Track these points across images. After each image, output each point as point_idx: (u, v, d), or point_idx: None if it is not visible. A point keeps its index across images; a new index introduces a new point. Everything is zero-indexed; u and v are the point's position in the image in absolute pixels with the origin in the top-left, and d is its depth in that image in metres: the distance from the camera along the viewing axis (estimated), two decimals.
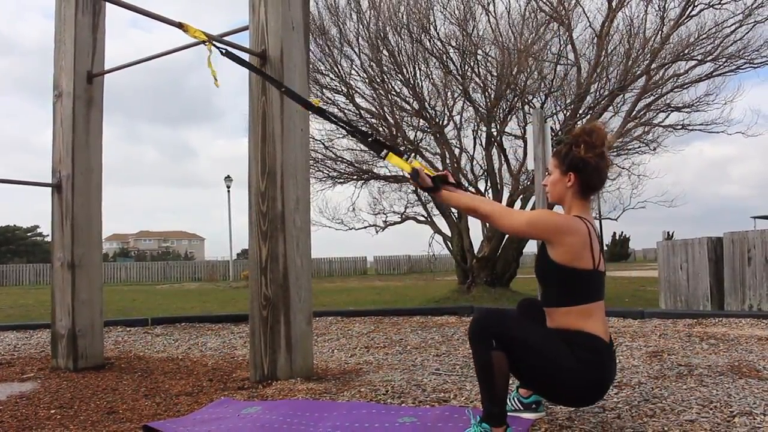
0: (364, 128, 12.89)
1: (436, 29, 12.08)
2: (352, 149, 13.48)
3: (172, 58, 4.49)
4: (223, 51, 3.27)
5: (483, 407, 2.28)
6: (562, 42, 11.82)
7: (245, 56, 3.90)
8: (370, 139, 2.97)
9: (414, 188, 13.38)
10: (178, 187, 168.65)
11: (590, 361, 2.26)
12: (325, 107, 12.67)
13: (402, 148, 12.58)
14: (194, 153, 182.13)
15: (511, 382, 2.31)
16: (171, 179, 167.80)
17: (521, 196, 12.32)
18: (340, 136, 13.30)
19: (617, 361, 3.96)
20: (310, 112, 3.67)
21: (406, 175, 2.68)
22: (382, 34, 12.05)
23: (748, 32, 10.66)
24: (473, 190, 12.88)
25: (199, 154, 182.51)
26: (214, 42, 3.36)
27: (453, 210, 12.96)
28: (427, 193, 2.66)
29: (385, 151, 2.83)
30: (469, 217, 12.73)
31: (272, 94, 3.75)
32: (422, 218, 13.87)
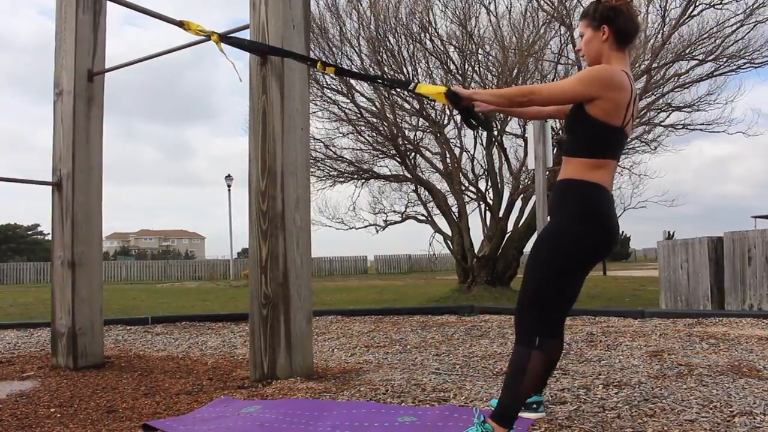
0: (364, 128, 12.92)
1: (435, 29, 12.08)
2: (353, 148, 13.50)
3: (166, 56, 4.48)
4: (228, 41, 3.27)
5: (499, 403, 2.27)
6: (562, 41, 11.82)
7: (245, 56, 3.91)
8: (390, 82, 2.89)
9: (415, 187, 13.38)
10: (178, 185, 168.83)
11: (586, 207, 2.29)
12: (325, 106, 12.67)
13: (402, 148, 12.59)
14: (193, 151, 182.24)
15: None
16: (170, 178, 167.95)
17: (522, 196, 12.32)
18: (341, 135, 13.32)
19: (618, 358, 3.97)
20: (310, 111, 3.67)
21: (437, 102, 2.62)
22: (382, 34, 12.05)
23: (749, 32, 10.68)
24: (474, 189, 12.90)
25: (198, 153, 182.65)
26: (220, 35, 3.36)
27: (453, 209, 12.96)
28: (465, 113, 2.59)
29: (413, 83, 2.81)
30: (469, 217, 12.75)
31: (273, 93, 3.75)
32: (422, 217, 13.86)
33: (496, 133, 12.39)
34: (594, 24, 2.40)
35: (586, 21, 2.44)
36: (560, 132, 10.84)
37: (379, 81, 3.12)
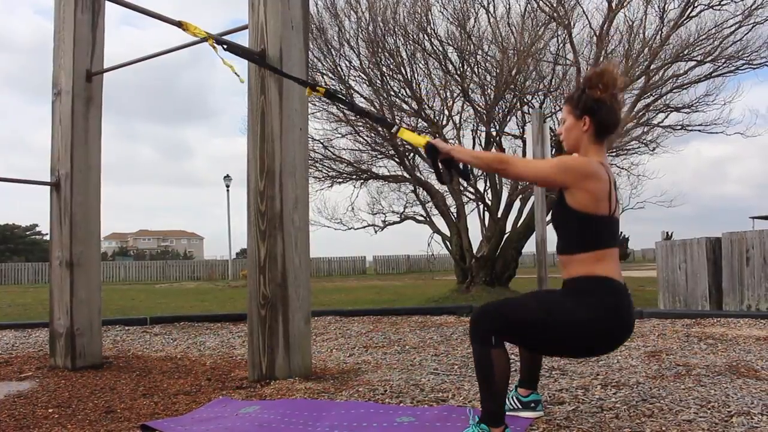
0: (362, 129, 12.92)
1: (434, 30, 12.09)
2: (351, 149, 13.50)
3: (164, 55, 4.47)
4: (225, 46, 3.28)
5: (482, 406, 2.28)
6: (560, 42, 11.84)
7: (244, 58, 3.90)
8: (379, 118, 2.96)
9: (414, 188, 13.38)
10: (176, 186, 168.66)
11: (605, 304, 2.27)
12: (324, 106, 12.67)
13: (401, 149, 12.59)
14: (191, 152, 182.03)
15: (510, 380, 2.32)
16: (168, 178, 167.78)
17: (520, 197, 12.33)
18: (339, 135, 13.33)
19: (617, 358, 3.97)
20: (309, 111, 3.67)
21: (421, 150, 2.65)
22: (381, 34, 12.05)
23: (748, 33, 10.72)
24: (472, 189, 12.90)
25: (196, 153, 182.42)
26: (216, 39, 3.36)
27: (452, 210, 12.96)
28: (442, 163, 2.60)
29: (396, 127, 2.82)
30: (468, 217, 12.76)
31: (271, 94, 3.75)
32: (421, 218, 13.88)
33: (494, 133, 12.40)
34: (576, 112, 2.42)
35: (569, 107, 2.46)
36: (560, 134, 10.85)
37: (367, 116, 3.17)
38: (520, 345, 2.50)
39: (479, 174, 13.01)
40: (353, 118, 12.68)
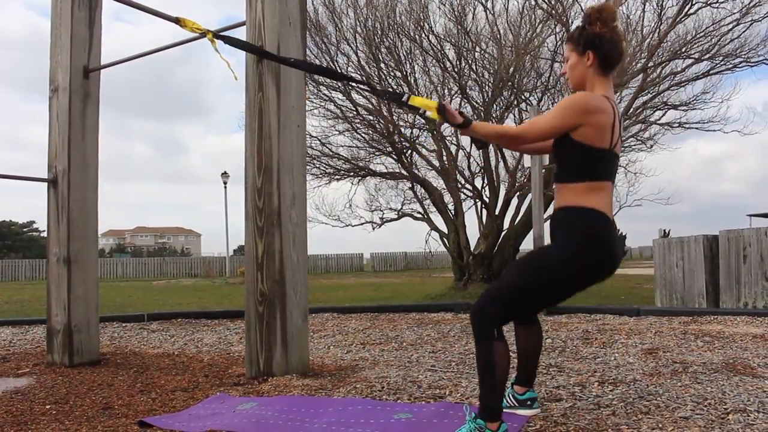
0: (360, 125, 12.91)
1: (431, 27, 12.08)
2: (349, 146, 13.50)
3: (157, 52, 4.45)
4: (225, 40, 3.29)
5: (480, 402, 2.29)
6: (558, 39, 11.83)
7: (242, 53, 3.90)
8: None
9: (411, 185, 13.38)
10: (172, 182, 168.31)
11: (588, 234, 2.30)
12: (321, 103, 12.66)
13: (398, 146, 12.59)
14: (186, 149, 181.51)
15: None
16: (164, 175, 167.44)
17: (518, 194, 12.33)
18: (337, 132, 13.32)
19: (614, 356, 3.98)
20: (306, 108, 3.67)
21: (429, 114, 2.62)
22: (379, 30, 12.04)
23: (745, 31, 10.71)
24: (470, 186, 12.91)
25: (192, 150, 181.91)
26: (215, 34, 3.36)
27: (449, 207, 12.97)
28: (455, 128, 2.59)
29: (405, 95, 2.81)
30: (465, 214, 12.76)
31: (269, 90, 3.74)
32: (419, 215, 13.88)
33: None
34: (579, 49, 2.43)
35: (571, 45, 2.47)
36: None
37: (373, 91, 3.15)
38: (528, 313, 2.58)
39: (476, 171, 13.04)
40: (351, 114, 12.67)
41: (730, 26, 10.67)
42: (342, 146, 13.49)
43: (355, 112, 12.77)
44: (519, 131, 2.47)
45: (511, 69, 11.36)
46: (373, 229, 14.32)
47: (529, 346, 2.66)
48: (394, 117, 12.56)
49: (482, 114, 12.07)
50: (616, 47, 2.41)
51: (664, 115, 12.37)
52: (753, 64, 11.05)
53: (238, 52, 3.93)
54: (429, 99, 2.76)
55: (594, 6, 2.46)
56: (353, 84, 11.68)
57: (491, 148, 12.54)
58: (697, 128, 12.27)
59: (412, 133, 13.14)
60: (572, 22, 11.46)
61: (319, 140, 13.18)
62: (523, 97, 11.99)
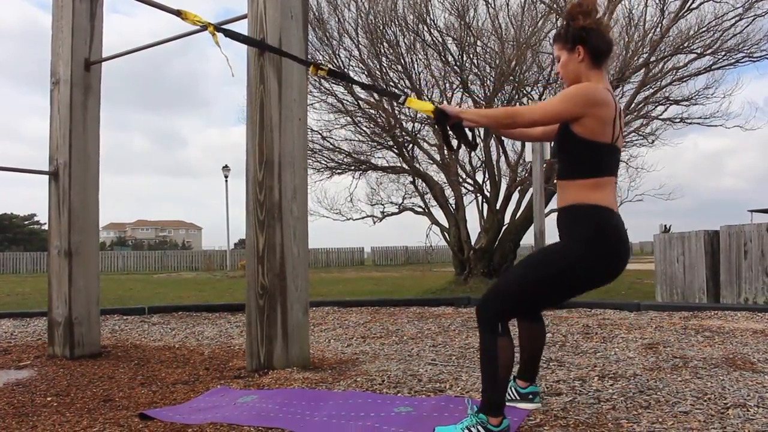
0: (362, 119, 12.90)
1: (433, 20, 12.05)
2: (350, 140, 13.48)
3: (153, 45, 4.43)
4: (226, 33, 3.28)
5: (482, 396, 2.29)
6: None
7: (243, 47, 3.89)
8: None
9: (412, 179, 13.37)
10: (172, 176, 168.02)
11: (596, 231, 2.28)
12: (323, 98, 12.62)
13: (400, 140, 12.58)
14: (185, 141, 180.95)
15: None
16: (164, 168, 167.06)
17: (519, 188, 12.32)
18: (338, 126, 13.30)
19: (614, 350, 3.99)
20: (308, 103, 3.67)
21: (425, 114, 2.62)
22: (381, 25, 12.00)
23: (748, 26, 10.69)
24: (471, 181, 12.90)
25: (191, 143, 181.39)
26: (216, 27, 3.35)
27: (450, 201, 12.96)
28: (454, 129, 2.58)
29: (403, 96, 2.82)
30: (466, 209, 12.76)
31: (270, 84, 3.73)
32: (420, 209, 13.87)
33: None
34: (568, 46, 2.41)
35: (559, 44, 2.45)
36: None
37: (373, 89, 3.15)
38: (534, 310, 2.60)
39: (478, 165, 13.02)
40: (352, 108, 12.66)
41: (733, 21, 10.65)
42: (343, 140, 13.50)
43: (356, 106, 12.75)
44: (518, 110, 2.45)
45: (513, 63, 11.34)
46: (374, 223, 14.34)
47: (533, 343, 2.66)
48: (395, 111, 12.54)
49: (484, 108, 12.04)
50: (603, 38, 2.39)
51: (666, 110, 12.36)
52: (755, 59, 11.04)
53: (241, 46, 3.93)
54: (425, 102, 2.75)
55: (574, 2, 2.44)
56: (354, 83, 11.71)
57: (492, 142, 12.55)
58: (699, 123, 12.26)
59: (413, 126, 13.13)
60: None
61: (321, 134, 13.18)
62: (524, 91, 11.96)
